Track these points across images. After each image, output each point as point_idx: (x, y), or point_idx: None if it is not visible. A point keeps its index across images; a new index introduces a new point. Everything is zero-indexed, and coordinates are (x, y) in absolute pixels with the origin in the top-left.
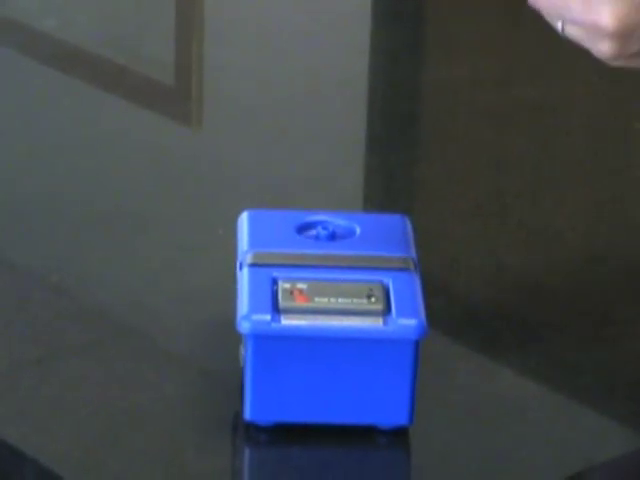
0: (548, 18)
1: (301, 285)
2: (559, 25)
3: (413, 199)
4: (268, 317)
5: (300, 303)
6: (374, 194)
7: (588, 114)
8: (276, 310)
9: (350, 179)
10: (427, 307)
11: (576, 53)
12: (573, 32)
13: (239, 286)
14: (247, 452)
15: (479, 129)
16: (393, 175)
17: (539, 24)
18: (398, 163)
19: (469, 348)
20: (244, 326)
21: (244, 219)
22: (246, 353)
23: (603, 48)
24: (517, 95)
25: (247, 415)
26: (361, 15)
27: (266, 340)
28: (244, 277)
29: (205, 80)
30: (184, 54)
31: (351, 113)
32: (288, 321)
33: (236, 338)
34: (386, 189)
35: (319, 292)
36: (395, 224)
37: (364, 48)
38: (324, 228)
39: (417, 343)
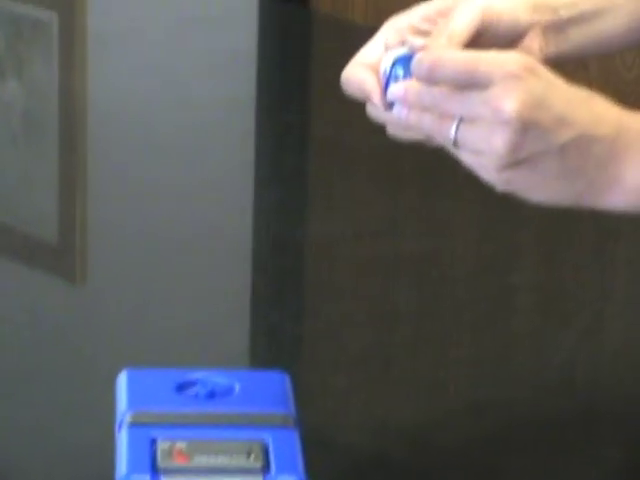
0: (436, 133)
1: (180, 444)
2: (452, 130)
3: (296, 354)
4: (147, 478)
5: (179, 463)
6: (257, 350)
7: (467, 267)
8: (155, 470)
9: (233, 335)
10: (310, 462)
11: (456, 207)
12: (467, 133)
13: (118, 446)
14: None
15: (361, 282)
16: (276, 330)
17: (420, 179)
18: (281, 318)
19: None
20: None
21: (123, 378)
22: None
23: (499, 141)
24: (398, 248)
25: None
26: (244, 173)
27: None
28: (123, 437)
29: (88, 238)
30: (67, 212)
31: (234, 268)
32: None
33: None
34: (269, 344)
35: (199, 451)
36: (274, 381)
37: (247, 204)
38: (203, 386)
39: None
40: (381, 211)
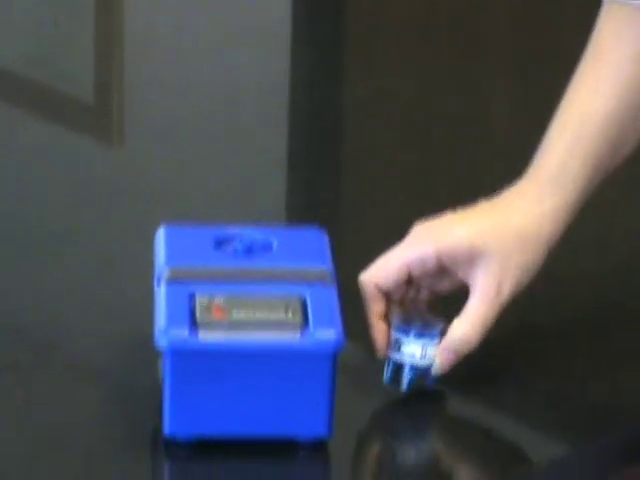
0: None
1: (218, 299)
2: None
3: (333, 212)
4: (186, 332)
5: (217, 318)
6: (294, 207)
7: (506, 124)
8: (194, 325)
9: (270, 193)
10: (345, 318)
11: (490, 69)
12: None
13: (157, 301)
14: (167, 467)
15: (398, 143)
16: (313, 188)
17: (455, 43)
18: (318, 177)
19: None
20: (162, 341)
21: (161, 234)
22: (165, 368)
23: None
24: (435, 109)
25: (167, 430)
26: (281, 32)
27: (184, 355)
28: (162, 292)
29: (125, 97)
30: (104, 72)
31: (271, 127)
32: (206, 336)
33: (156, 353)
34: (306, 202)
35: (236, 306)
36: (312, 237)
37: (285, 63)
38: (241, 242)
39: (335, 356)
40: (418, 72)
